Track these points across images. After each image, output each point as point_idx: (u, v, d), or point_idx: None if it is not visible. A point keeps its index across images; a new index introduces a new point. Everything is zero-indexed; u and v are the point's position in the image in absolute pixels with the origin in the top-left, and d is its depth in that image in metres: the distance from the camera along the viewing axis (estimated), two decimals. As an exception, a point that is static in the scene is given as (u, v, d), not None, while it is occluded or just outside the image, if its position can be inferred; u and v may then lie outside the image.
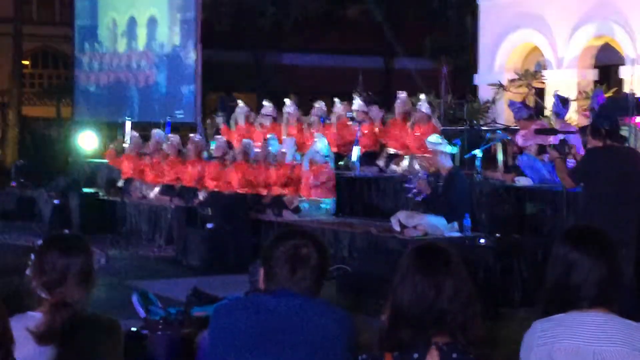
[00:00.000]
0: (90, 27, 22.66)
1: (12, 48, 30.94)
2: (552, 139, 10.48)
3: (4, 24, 34.46)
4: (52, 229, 15.03)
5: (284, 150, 13.85)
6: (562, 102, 12.19)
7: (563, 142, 8.89)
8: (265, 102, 16.55)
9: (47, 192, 16.71)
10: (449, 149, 10.74)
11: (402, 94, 14.34)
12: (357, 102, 15.06)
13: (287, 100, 16.23)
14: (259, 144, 14.95)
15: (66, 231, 3.92)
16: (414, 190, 10.96)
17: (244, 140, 14.90)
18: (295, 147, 14.06)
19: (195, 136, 16.21)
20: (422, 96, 14.06)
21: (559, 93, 12.67)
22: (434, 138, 10.88)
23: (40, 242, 3.82)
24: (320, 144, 13.12)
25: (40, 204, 16.94)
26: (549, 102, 15.90)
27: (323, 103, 15.66)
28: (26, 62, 37.25)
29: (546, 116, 15.29)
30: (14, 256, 12.82)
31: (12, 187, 19.22)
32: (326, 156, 13.18)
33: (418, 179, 10.95)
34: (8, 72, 33.21)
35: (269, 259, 3.47)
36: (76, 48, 23.19)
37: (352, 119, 14.73)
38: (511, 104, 12.87)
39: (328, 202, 13.09)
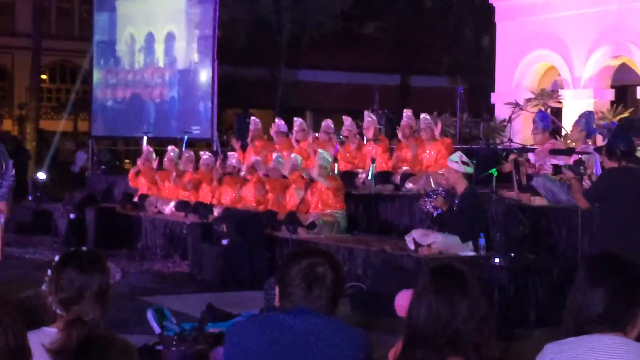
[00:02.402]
0: (109, 42, 22.78)
1: (31, 62, 31.14)
2: (568, 159, 10.46)
3: (23, 38, 34.72)
4: (68, 244, 15.08)
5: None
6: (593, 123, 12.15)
7: (579, 162, 8.88)
8: (277, 120, 16.57)
9: (63, 206, 16.77)
10: (468, 169, 10.72)
11: (408, 112, 14.35)
12: (369, 120, 15.04)
13: (296, 119, 16.24)
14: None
15: (84, 247, 3.88)
16: (432, 205, 10.94)
17: (254, 158, 14.95)
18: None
19: (204, 154, 16.25)
20: (423, 115, 14.03)
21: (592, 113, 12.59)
22: (456, 157, 10.85)
23: (57, 257, 3.80)
24: (322, 159, 13.09)
25: (56, 218, 16.99)
26: (566, 122, 15.89)
27: (331, 121, 15.69)
28: (44, 77, 37.49)
29: (563, 136, 15.26)
30: (30, 270, 12.88)
31: (29, 200, 19.30)
32: (329, 170, 13.19)
33: (436, 196, 10.95)
34: (26, 86, 33.43)
35: (285, 277, 3.48)
36: (94, 63, 23.32)
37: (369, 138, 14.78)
38: (538, 112, 12.82)
39: (341, 214, 13.08)
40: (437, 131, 13.87)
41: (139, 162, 17.35)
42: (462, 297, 3.13)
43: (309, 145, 15.15)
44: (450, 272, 3.23)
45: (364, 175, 14.28)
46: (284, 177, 14.07)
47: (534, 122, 12.40)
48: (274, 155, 14.61)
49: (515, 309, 9.30)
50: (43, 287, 3.74)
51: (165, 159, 16.66)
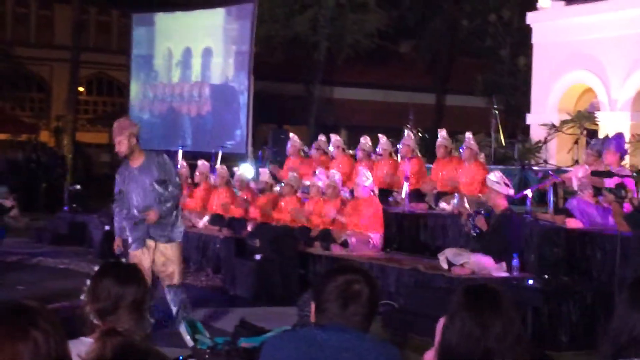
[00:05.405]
0: (146, 56, 22.99)
1: (69, 74, 31.44)
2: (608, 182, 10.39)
3: (61, 50, 35.07)
4: (102, 255, 15.17)
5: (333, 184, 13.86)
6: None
7: (620, 185, 8.83)
8: (320, 136, 16.65)
9: (98, 217, 16.88)
10: (509, 190, 10.66)
11: (442, 132, 14.34)
12: (406, 138, 15.02)
13: (332, 135, 16.29)
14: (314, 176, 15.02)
15: (123, 259, 3.95)
16: (472, 224, 10.86)
17: (290, 173, 14.97)
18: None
19: (237, 170, 16.31)
20: (468, 134, 14.02)
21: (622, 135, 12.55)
22: (495, 176, 10.81)
23: (96, 268, 3.86)
24: (365, 178, 13.11)
25: (91, 230, 17.12)
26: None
27: (368, 138, 15.66)
28: (81, 89, 37.84)
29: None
30: (64, 280, 12.99)
31: (65, 211, 19.46)
32: (371, 190, 13.17)
33: (479, 215, 10.88)
34: (64, 98, 33.73)
35: (321, 293, 3.49)
36: (131, 76, 23.52)
37: (398, 153, 14.80)
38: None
39: (376, 237, 13.03)
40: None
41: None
42: (494, 315, 3.13)
43: (346, 163, 15.22)
44: (483, 291, 3.23)
45: (398, 194, 14.27)
46: (320, 194, 14.08)
47: (594, 143, 12.36)
48: (317, 170, 14.68)
49: (547, 331, 9.25)
50: (81, 297, 3.78)
51: (197, 173, 16.77)
